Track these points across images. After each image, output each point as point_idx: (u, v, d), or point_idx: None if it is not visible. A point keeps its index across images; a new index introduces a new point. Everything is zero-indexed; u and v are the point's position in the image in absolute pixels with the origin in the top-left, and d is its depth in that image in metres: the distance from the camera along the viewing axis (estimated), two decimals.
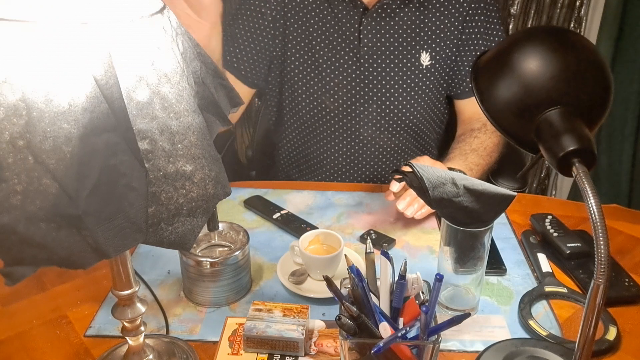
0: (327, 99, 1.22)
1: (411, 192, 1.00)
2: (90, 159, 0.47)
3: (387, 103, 1.22)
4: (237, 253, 0.82)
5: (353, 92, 1.21)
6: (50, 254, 0.48)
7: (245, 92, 1.27)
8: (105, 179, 0.48)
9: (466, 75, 1.24)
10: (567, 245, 0.94)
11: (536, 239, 0.99)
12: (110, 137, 0.48)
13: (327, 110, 1.23)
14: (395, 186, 1.01)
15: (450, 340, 0.78)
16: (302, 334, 0.73)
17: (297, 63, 1.22)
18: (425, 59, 1.20)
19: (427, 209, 1.03)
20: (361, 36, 1.17)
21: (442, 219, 0.79)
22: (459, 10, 1.19)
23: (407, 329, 0.64)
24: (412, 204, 1.01)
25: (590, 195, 0.54)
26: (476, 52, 1.22)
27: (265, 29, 1.22)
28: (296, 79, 1.23)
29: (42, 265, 0.49)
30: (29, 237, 0.47)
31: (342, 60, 1.20)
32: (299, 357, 0.74)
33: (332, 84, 1.21)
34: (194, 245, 0.85)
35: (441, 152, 1.38)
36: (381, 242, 0.98)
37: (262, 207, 1.09)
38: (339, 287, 0.67)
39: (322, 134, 1.27)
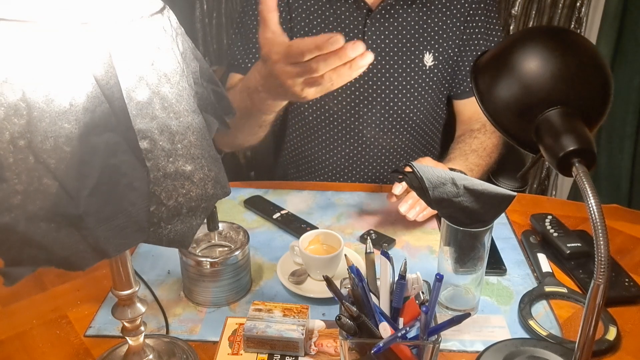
0: (331, 100, 1.22)
1: (413, 195, 1.00)
2: (90, 158, 0.47)
3: (391, 104, 1.22)
4: (237, 253, 0.82)
5: (357, 93, 1.21)
6: (49, 254, 0.48)
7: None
8: (106, 178, 0.48)
9: (466, 75, 1.24)
10: (567, 245, 0.94)
11: (536, 239, 0.99)
12: (111, 137, 0.47)
13: (331, 111, 1.23)
14: (397, 189, 1.01)
15: (450, 340, 0.78)
16: (302, 334, 0.73)
17: None
18: (428, 59, 1.20)
19: (428, 212, 1.02)
20: (365, 37, 1.17)
21: (442, 219, 0.79)
22: (460, 10, 1.19)
23: (407, 329, 0.64)
24: (413, 207, 1.00)
25: (590, 195, 0.54)
26: (477, 52, 1.22)
27: None
28: None
29: (42, 266, 0.49)
30: (29, 237, 0.47)
31: None
32: (299, 357, 0.74)
33: None
34: (194, 245, 0.85)
35: (442, 153, 1.38)
36: (381, 242, 0.98)
37: (262, 207, 1.09)
38: (339, 287, 0.67)
39: (325, 135, 1.27)
